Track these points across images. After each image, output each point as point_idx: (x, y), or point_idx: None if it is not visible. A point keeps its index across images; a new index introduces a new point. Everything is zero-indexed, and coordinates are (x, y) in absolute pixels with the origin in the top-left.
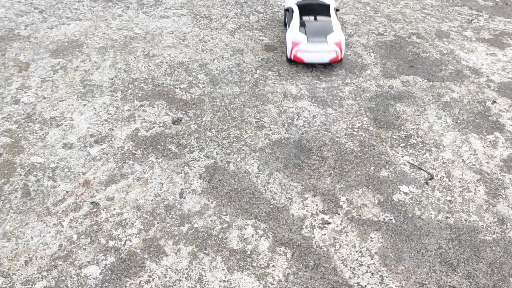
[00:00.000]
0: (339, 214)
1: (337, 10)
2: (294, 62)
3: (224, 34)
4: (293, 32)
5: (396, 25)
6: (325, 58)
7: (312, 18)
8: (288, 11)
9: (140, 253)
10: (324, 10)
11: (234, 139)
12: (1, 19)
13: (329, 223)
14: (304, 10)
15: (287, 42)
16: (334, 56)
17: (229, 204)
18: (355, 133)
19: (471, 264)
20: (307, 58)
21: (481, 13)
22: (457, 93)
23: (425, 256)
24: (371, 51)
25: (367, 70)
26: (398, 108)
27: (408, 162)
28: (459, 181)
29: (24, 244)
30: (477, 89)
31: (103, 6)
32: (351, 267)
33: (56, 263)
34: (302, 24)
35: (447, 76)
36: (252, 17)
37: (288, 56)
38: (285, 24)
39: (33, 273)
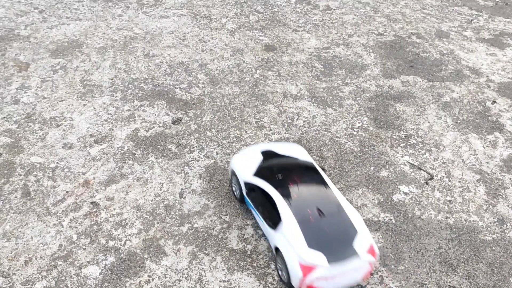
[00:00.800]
0: None
1: (323, 169)
2: None
3: (224, 34)
4: (298, 246)
5: (396, 25)
6: (357, 277)
7: (310, 207)
8: (254, 190)
9: (140, 253)
10: (316, 180)
11: (234, 139)
12: (1, 19)
13: None
14: (287, 191)
15: (288, 266)
16: (368, 269)
17: (229, 204)
18: (355, 133)
19: (471, 264)
20: (331, 286)
21: (481, 13)
22: (457, 93)
23: (425, 256)
24: (371, 51)
25: (367, 70)
26: (398, 108)
27: (408, 162)
28: (459, 181)
29: (24, 244)
30: (477, 89)
31: (103, 6)
32: None
33: (56, 263)
34: (304, 228)
35: (447, 76)
36: (252, 17)
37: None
38: (241, 199)
39: (33, 273)
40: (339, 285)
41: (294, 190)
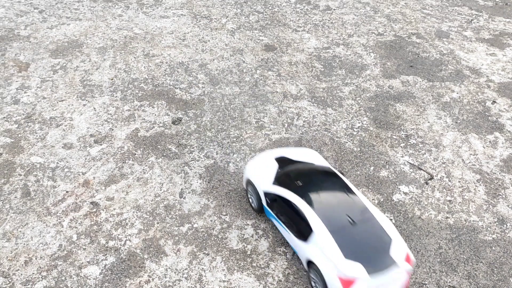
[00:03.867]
0: None
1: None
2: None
3: (224, 34)
4: (334, 257)
5: (396, 25)
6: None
7: (339, 215)
8: (275, 200)
9: (140, 253)
10: (340, 187)
11: (234, 139)
12: (1, 19)
13: None
14: (312, 198)
15: (326, 279)
16: (406, 279)
17: (229, 204)
18: (355, 133)
19: (471, 264)
20: None
21: (481, 13)
22: (457, 93)
23: (425, 256)
24: (371, 51)
25: (367, 70)
26: (398, 108)
27: (408, 162)
28: (459, 181)
29: (24, 244)
30: (477, 89)
31: (103, 6)
32: None
33: (56, 263)
34: (338, 237)
35: (447, 76)
36: (252, 17)
37: None
38: (260, 209)
39: (33, 273)
40: None
41: (319, 197)
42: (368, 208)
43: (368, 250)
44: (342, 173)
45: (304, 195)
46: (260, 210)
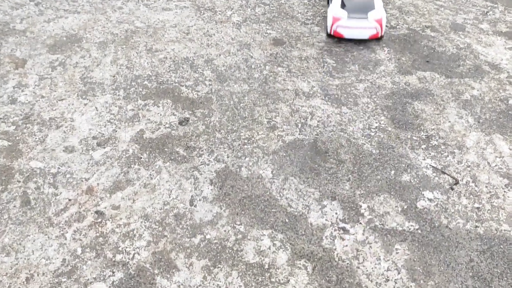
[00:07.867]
0: (360, 223)
1: None
2: (336, 37)
3: (229, 27)
4: (334, 8)
5: (408, 17)
6: (365, 34)
7: None
8: None
9: (150, 268)
10: None
11: (245, 140)
12: None
13: (350, 233)
14: None
15: (328, 18)
16: (374, 33)
17: (243, 212)
18: (372, 134)
19: (505, 278)
20: (347, 33)
21: (496, 5)
22: (478, 90)
23: (456, 270)
24: (384, 45)
25: (381, 66)
26: (416, 106)
27: (430, 165)
28: (486, 186)
29: (25, 258)
30: (498, 86)
31: None
32: (377, 282)
33: (60, 280)
34: (343, 0)
35: (465, 72)
36: (258, 9)
37: (328, 31)
38: (328, 1)
39: None
40: (352, 35)
41: None
42: None
43: (355, 8)
44: None
45: None
46: (327, 2)
